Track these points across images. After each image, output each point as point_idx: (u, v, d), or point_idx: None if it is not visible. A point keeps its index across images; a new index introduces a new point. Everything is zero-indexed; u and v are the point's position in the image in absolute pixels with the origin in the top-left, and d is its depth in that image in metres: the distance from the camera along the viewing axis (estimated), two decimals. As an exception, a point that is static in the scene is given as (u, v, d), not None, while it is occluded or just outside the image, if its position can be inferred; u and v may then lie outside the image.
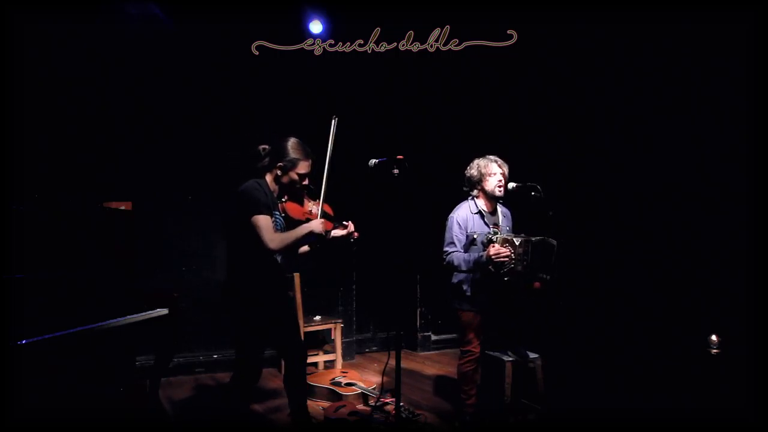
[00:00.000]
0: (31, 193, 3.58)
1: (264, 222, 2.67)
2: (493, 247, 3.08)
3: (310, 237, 2.80)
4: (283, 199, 2.91)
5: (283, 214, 2.88)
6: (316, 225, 2.79)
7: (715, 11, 3.45)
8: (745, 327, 3.28)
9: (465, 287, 3.33)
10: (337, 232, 2.97)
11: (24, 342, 2.26)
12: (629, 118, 4.32)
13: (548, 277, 3.26)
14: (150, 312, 3.02)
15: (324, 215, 2.92)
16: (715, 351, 3.41)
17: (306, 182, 2.88)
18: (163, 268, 4.61)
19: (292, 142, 2.83)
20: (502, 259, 3.07)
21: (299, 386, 2.99)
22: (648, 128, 4.18)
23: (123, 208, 3.71)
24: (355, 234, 3.02)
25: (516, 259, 3.08)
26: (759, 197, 3.24)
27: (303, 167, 2.83)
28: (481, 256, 3.15)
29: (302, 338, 3.13)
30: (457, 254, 3.29)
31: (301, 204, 2.97)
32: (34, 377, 2.46)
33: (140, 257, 3.77)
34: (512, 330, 3.55)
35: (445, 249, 3.34)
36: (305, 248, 3.09)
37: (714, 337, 3.42)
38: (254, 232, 2.66)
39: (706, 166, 3.78)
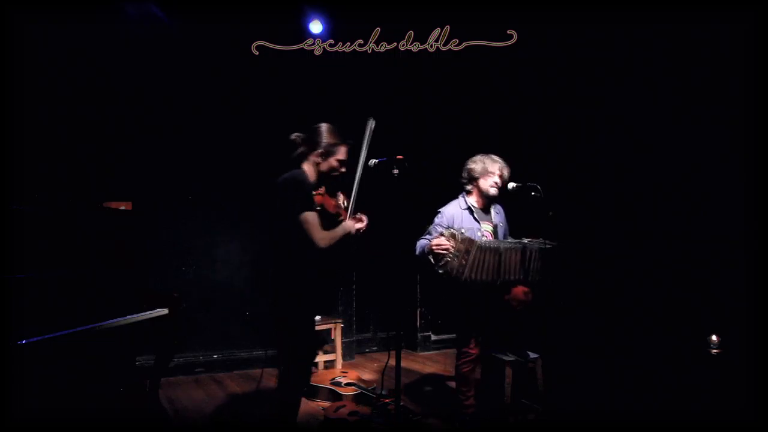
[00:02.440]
0: (31, 193, 3.58)
1: (314, 219, 2.68)
2: (438, 237, 3.12)
3: (347, 237, 2.85)
4: (320, 192, 2.91)
5: (318, 207, 2.87)
6: (351, 225, 2.85)
7: (715, 11, 3.45)
8: (745, 327, 3.28)
9: (457, 287, 3.32)
10: (358, 225, 2.97)
11: (24, 342, 2.26)
12: (629, 117, 4.32)
13: (526, 278, 3.26)
14: (150, 312, 3.02)
15: (346, 209, 2.96)
16: (715, 351, 3.41)
17: (344, 169, 2.88)
18: (163, 268, 4.61)
19: (326, 128, 2.83)
20: (441, 251, 3.09)
21: (301, 387, 3.01)
22: (648, 128, 4.18)
23: (123, 208, 3.72)
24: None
25: (453, 254, 3.07)
26: (758, 197, 3.25)
27: (342, 153, 2.84)
28: (427, 244, 3.18)
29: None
30: (420, 241, 3.31)
31: (333, 197, 2.99)
32: (34, 377, 2.46)
33: (140, 257, 3.77)
34: (511, 330, 3.55)
35: (420, 238, 3.37)
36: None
37: (714, 337, 3.42)
38: (303, 227, 2.66)
39: (706, 166, 3.78)
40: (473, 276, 3.08)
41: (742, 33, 3.36)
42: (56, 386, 2.66)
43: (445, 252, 3.08)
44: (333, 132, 2.83)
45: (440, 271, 3.12)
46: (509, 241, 3.32)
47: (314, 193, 2.84)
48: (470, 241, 3.07)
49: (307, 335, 2.93)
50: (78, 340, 2.54)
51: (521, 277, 3.24)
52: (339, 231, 2.81)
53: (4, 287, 2.39)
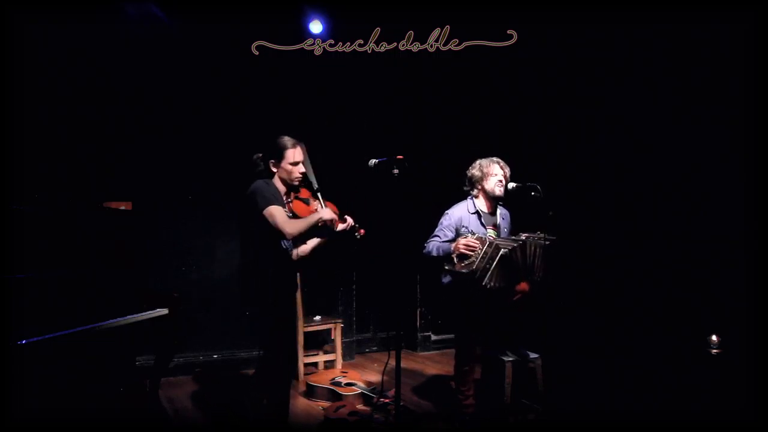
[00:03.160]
0: (31, 193, 3.58)
1: (276, 211, 2.74)
2: (466, 237, 3.17)
3: (323, 224, 2.89)
4: (290, 200, 2.99)
5: (290, 214, 2.94)
6: (327, 212, 2.89)
7: (715, 11, 3.45)
8: (745, 327, 3.28)
9: (455, 287, 3.32)
10: (340, 226, 3.04)
11: (24, 342, 2.26)
12: (629, 117, 4.32)
13: (537, 278, 3.28)
14: (150, 312, 3.02)
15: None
16: (715, 351, 3.41)
17: (302, 170, 2.92)
18: (163, 268, 4.61)
19: (279, 138, 2.91)
20: (468, 251, 3.13)
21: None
22: (648, 128, 4.18)
23: (123, 208, 3.72)
24: (361, 231, 3.10)
25: (479, 257, 3.11)
26: (758, 197, 3.25)
27: (291, 155, 2.87)
28: (452, 242, 3.21)
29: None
30: (434, 242, 3.33)
31: (308, 204, 3.07)
32: (34, 377, 2.46)
33: (140, 257, 3.77)
34: (510, 330, 3.56)
35: (429, 240, 3.38)
36: (315, 242, 3.14)
37: (714, 337, 3.42)
38: (269, 224, 2.73)
39: (706, 166, 3.78)
40: (492, 283, 3.11)
41: (742, 33, 3.36)
42: (56, 386, 2.67)
43: (471, 253, 3.12)
44: (283, 139, 2.90)
45: (464, 271, 3.14)
46: (512, 238, 3.33)
47: (285, 202, 2.91)
48: (497, 248, 3.10)
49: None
50: (78, 340, 2.54)
51: (526, 276, 3.27)
52: (309, 219, 2.86)
53: (4, 287, 2.40)
